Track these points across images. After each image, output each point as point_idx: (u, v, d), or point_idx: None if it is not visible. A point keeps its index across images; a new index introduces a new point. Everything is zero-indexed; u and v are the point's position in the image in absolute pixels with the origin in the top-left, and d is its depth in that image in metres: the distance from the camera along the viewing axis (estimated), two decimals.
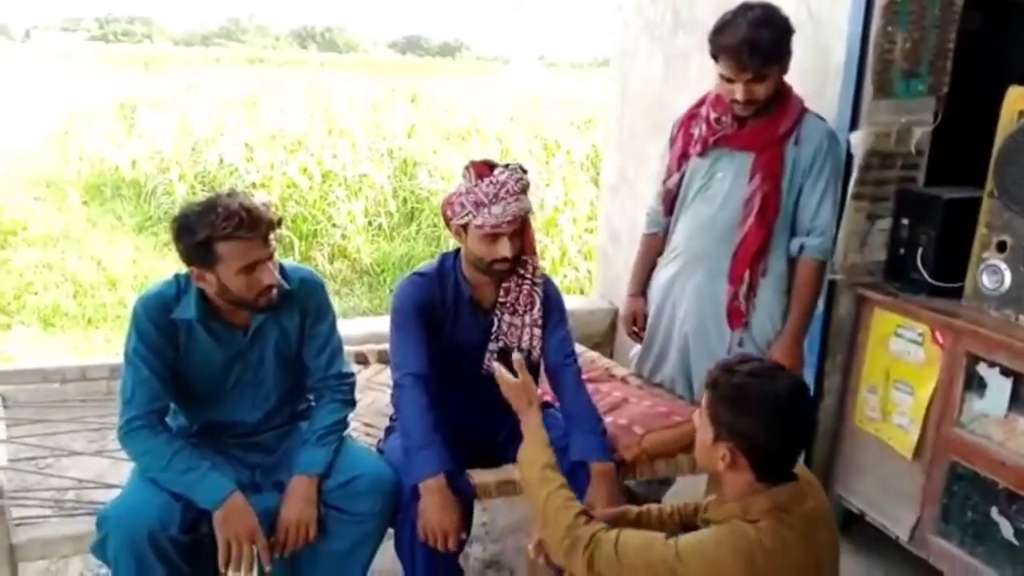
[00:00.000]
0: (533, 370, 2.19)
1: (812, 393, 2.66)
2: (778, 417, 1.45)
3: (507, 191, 1.95)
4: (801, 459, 1.58)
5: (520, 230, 2.01)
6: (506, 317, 2.11)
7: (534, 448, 1.77)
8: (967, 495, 2.28)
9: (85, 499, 1.96)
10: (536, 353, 2.14)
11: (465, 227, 2.01)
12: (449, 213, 2.03)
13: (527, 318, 2.12)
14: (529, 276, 2.11)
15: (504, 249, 1.98)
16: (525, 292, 2.11)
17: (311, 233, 7.21)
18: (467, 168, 2.02)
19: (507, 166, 2.01)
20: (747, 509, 1.47)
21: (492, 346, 2.12)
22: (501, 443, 2.16)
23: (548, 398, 2.22)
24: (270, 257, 1.88)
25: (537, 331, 2.13)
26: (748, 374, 1.48)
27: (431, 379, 2.02)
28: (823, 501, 1.55)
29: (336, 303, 5.60)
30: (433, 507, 1.87)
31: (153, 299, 1.90)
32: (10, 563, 1.78)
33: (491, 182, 1.96)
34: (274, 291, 1.90)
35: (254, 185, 7.57)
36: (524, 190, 1.99)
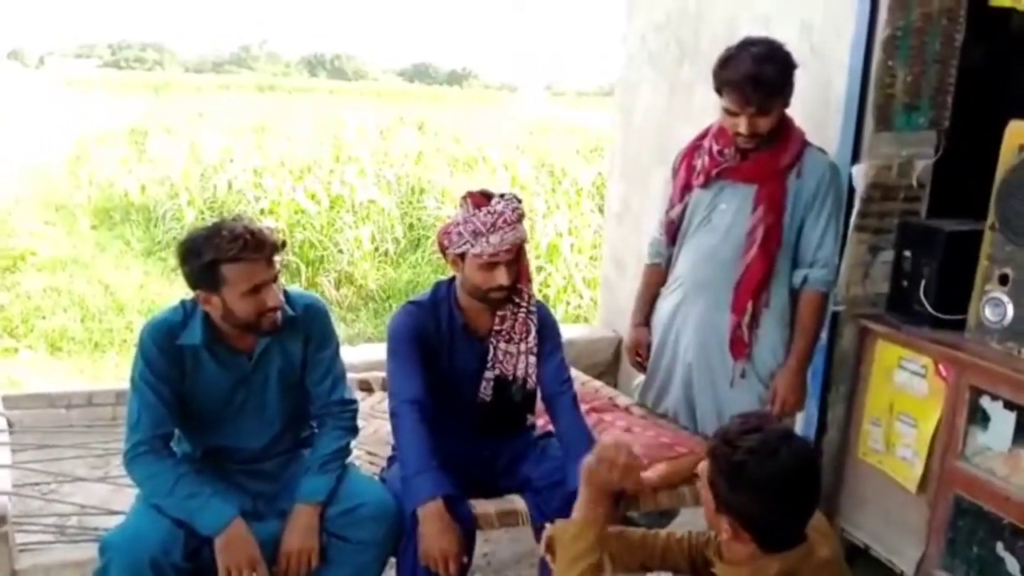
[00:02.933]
0: (528, 397, 2.20)
1: (815, 424, 2.66)
2: (779, 496, 1.41)
3: (504, 220, 1.97)
4: None
5: (516, 258, 2.03)
6: (501, 345, 2.13)
7: (579, 527, 1.70)
8: (972, 530, 2.26)
9: (88, 525, 1.97)
10: (532, 381, 2.15)
11: (462, 256, 2.02)
12: (446, 242, 2.05)
13: (522, 346, 2.13)
14: (524, 304, 2.13)
15: (501, 277, 2.00)
16: (520, 320, 2.12)
17: (318, 259, 7.24)
18: (464, 198, 2.04)
19: (503, 195, 2.03)
20: (755, 575, 1.46)
21: (488, 374, 2.13)
22: (500, 472, 2.16)
23: (550, 428, 2.22)
24: (274, 279, 1.91)
25: (532, 359, 2.14)
26: (748, 451, 1.42)
27: (428, 407, 2.03)
28: (835, 549, 1.53)
29: (342, 329, 5.64)
30: (432, 532, 1.87)
31: (159, 326, 1.93)
32: None
33: (488, 212, 1.98)
34: (278, 313, 1.92)
35: (262, 211, 7.62)
36: (520, 219, 2.02)
